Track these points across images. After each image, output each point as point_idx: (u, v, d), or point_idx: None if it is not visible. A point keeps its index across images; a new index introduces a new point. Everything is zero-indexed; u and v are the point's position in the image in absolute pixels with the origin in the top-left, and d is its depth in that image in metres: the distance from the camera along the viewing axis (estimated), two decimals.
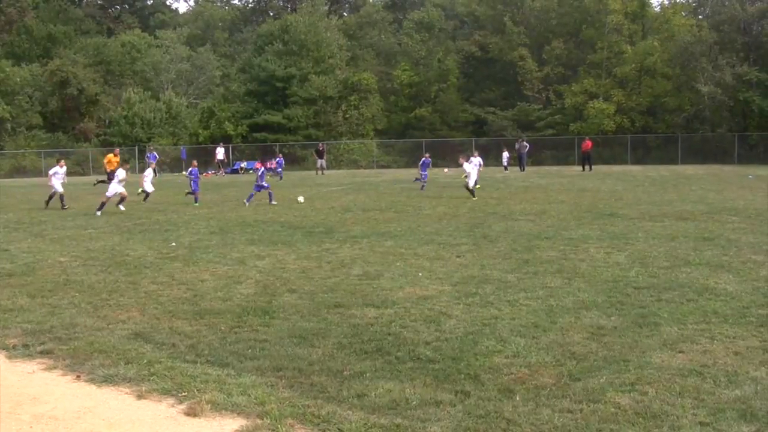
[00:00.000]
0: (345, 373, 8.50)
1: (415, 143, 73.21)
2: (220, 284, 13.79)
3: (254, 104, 75.58)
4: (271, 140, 72.62)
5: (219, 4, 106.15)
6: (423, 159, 41.06)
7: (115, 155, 42.73)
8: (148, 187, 33.67)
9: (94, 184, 44.55)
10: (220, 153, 65.27)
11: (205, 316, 11.26)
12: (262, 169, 33.14)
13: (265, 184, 32.07)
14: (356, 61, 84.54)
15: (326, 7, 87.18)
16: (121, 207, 29.02)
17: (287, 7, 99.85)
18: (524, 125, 73.73)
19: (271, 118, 73.88)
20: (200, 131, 75.70)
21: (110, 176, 41.23)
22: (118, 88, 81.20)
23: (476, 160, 39.67)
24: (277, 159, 57.76)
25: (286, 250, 17.91)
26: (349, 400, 7.67)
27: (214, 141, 71.87)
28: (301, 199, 32.14)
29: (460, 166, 34.02)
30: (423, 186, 37.92)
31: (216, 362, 8.99)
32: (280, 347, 9.55)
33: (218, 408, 7.47)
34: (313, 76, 75.10)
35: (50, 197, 31.11)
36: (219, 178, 59.93)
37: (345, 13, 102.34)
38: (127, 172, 30.83)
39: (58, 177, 31.29)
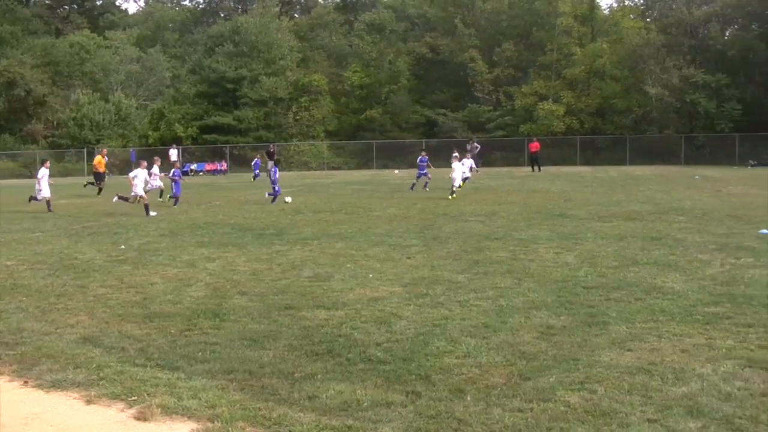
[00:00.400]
0: (296, 375, 8.49)
1: (366, 145, 73.34)
2: (170, 287, 13.70)
3: (204, 106, 75.23)
4: (222, 142, 72.33)
5: (169, 4, 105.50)
6: (420, 158, 40.53)
7: (103, 156, 42.24)
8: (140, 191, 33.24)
9: (84, 186, 43.84)
10: (173, 155, 64.62)
11: (154, 319, 11.19)
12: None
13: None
14: (307, 62, 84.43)
15: (277, 9, 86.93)
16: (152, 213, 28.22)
17: (238, 8, 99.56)
18: (475, 126, 74.06)
19: (221, 119, 73.58)
20: (150, 133, 75.20)
21: (97, 177, 40.72)
22: (67, 90, 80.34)
23: (468, 162, 39.76)
24: (256, 160, 57.17)
25: (237, 252, 17.84)
26: (301, 402, 7.66)
27: (165, 143, 71.33)
28: (288, 199, 32.02)
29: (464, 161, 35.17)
30: (426, 184, 38.06)
31: (166, 366, 8.93)
32: (230, 350, 9.51)
33: (169, 412, 7.43)
34: (264, 77, 74.91)
35: (47, 202, 30.34)
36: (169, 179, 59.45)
37: (296, 15, 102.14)
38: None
39: (47, 179, 30.60)
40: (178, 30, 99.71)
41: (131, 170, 31.53)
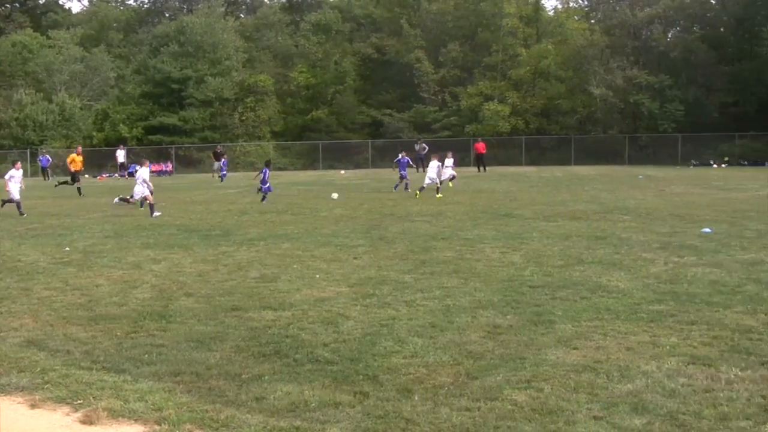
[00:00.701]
0: (243, 376, 8.47)
1: (312, 145, 73.23)
2: (115, 289, 13.59)
3: (150, 106, 74.57)
4: (167, 142, 71.78)
5: (114, 4, 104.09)
6: (399, 158, 40.03)
7: (78, 154, 41.52)
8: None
9: (56, 186, 43.15)
10: (120, 155, 64.06)
11: (100, 321, 11.09)
12: (267, 170, 32.80)
13: (269, 187, 32.25)
14: (253, 62, 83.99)
15: (223, 9, 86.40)
16: (156, 213, 27.41)
17: (183, 8, 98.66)
18: (421, 127, 74.20)
19: (166, 120, 73.00)
20: (94, 134, 74.32)
21: (74, 177, 39.96)
22: (9, 90, 79.05)
23: (449, 161, 39.24)
24: (222, 161, 56.47)
25: (183, 254, 17.74)
26: (248, 403, 7.64)
27: (109, 143, 70.68)
28: (335, 195, 32.45)
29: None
30: (407, 185, 37.24)
31: (112, 368, 8.86)
32: (177, 352, 9.47)
33: (115, 415, 7.37)
34: (210, 77, 74.42)
35: (17, 204, 28.75)
36: (114, 181, 58.98)
37: (242, 15, 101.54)
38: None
39: (15, 181, 29.08)
40: (122, 30, 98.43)
41: (50, 175, 30.51)
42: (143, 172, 28.85)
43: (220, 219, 25.66)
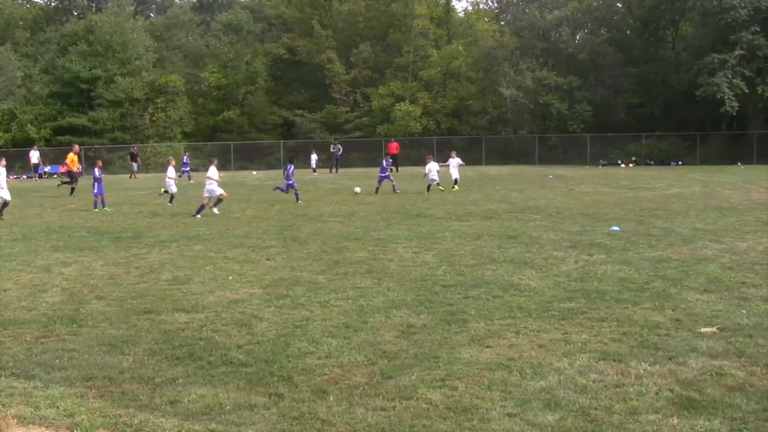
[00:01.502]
0: (157, 380, 8.40)
1: (224, 146, 72.66)
2: (24, 293, 13.34)
3: (58, 106, 73.06)
4: (77, 143, 70.41)
5: (20, 1, 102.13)
6: (384, 161, 39.40)
7: (75, 153, 40.21)
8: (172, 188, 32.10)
9: (58, 186, 41.86)
10: (34, 156, 62.49)
11: (8, 326, 10.87)
12: (291, 167, 32.27)
13: (293, 183, 31.69)
14: (163, 62, 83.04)
15: (132, 8, 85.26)
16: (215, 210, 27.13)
17: (92, 6, 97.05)
18: (333, 127, 74.18)
19: (75, 120, 71.61)
20: (1, 134, 72.66)
21: (71, 176, 38.63)
22: None
23: (454, 161, 39.14)
24: (184, 158, 55.02)
25: (93, 256, 17.49)
26: (162, 407, 7.58)
27: (16, 145, 69.14)
28: (357, 189, 33.08)
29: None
30: (394, 186, 36.22)
31: (22, 374, 8.70)
32: (89, 356, 9.34)
33: (25, 422, 7.25)
34: (119, 77, 73.24)
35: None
36: (22, 182, 57.74)
37: (152, 14, 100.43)
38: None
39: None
40: (29, 28, 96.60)
41: None
42: (212, 171, 28.06)
43: (131, 221, 25.35)
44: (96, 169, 31.55)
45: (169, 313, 11.49)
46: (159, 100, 75.71)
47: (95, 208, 29.67)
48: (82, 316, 11.37)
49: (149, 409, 7.53)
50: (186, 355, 9.31)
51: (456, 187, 36.16)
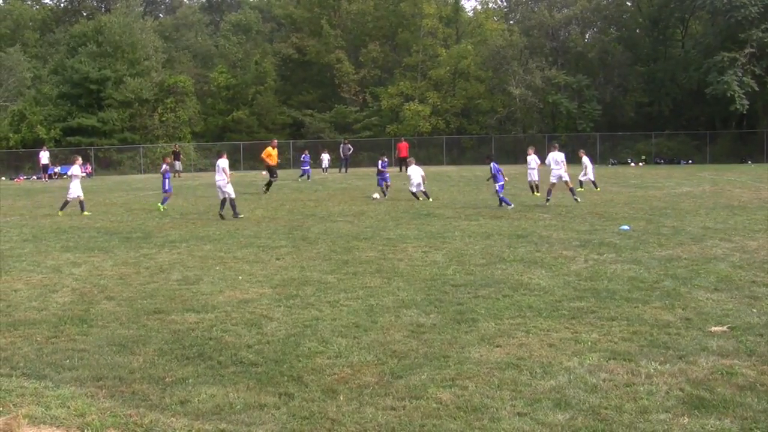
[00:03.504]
0: (167, 380, 8.40)
1: (233, 146, 72.66)
2: (34, 293, 13.36)
3: (67, 107, 73.18)
4: (86, 144, 70.53)
5: (29, 3, 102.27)
6: (380, 161, 36.15)
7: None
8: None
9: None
10: (44, 157, 62.52)
11: (19, 327, 10.89)
12: (386, 161, 32.32)
13: (387, 178, 31.78)
14: (172, 63, 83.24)
15: (141, 8, 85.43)
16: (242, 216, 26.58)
17: (101, 7, 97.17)
18: (342, 127, 74.27)
19: (85, 121, 71.74)
20: (11, 135, 72.73)
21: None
22: None
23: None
24: (303, 155, 54.06)
25: (103, 257, 17.51)
26: (173, 407, 7.59)
27: (26, 145, 69.30)
28: (376, 196, 31.57)
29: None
30: (387, 187, 34.24)
31: (33, 375, 8.71)
32: (99, 356, 9.35)
33: (36, 422, 7.25)
34: (129, 78, 73.34)
35: None
36: (32, 183, 57.91)
37: (161, 15, 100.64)
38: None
39: None
40: (38, 29, 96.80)
41: None
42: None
43: (140, 221, 25.38)
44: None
45: (178, 313, 11.50)
46: (168, 101, 75.83)
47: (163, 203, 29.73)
48: (92, 317, 11.39)
49: (159, 409, 7.53)
50: (196, 355, 9.32)
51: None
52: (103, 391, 8.09)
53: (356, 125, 74.92)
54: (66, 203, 28.39)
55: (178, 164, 60.65)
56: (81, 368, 8.89)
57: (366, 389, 7.97)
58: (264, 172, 42.46)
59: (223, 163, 27.28)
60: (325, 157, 61.23)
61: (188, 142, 74.83)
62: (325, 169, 59.03)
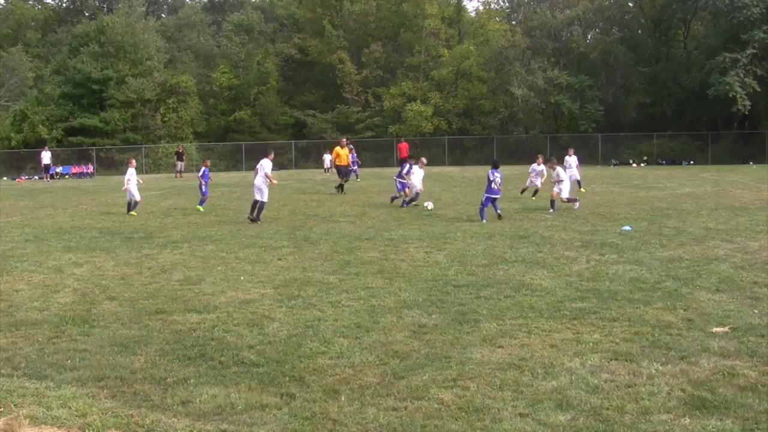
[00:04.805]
0: (168, 380, 8.41)
1: (235, 146, 72.79)
2: (36, 293, 13.37)
3: (70, 107, 73.16)
4: (88, 144, 70.58)
5: (31, 2, 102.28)
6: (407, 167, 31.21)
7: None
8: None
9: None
10: (46, 157, 62.41)
11: (21, 327, 10.90)
12: (407, 166, 30.21)
13: (406, 183, 29.95)
14: (175, 63, 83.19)
15: (143, 8, 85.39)
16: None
17: (103, 7, 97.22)
18: (344, 128, 74.19)
19: (87, 121, 71.75)
20: (12, 135, 72.73)
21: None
22: None
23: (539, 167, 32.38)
24: (352, 156, 52.70)
25: (105, 257, 17.52)
26: (174, 407, 7.59)
27: (28, 145, 69.33)
28: (429, 205, 28.12)
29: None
30: (396, 197, 30.72)
31: (34, 375, 8.72)
32: (100, 356, 9.36)
33: (37, 422, 7.26)
34: (131, 78, 73.33)
35: None
36: (34, 183, 57.94)
37: (163, 15, 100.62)
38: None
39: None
40: (40, 29, 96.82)
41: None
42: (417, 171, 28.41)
43: (142, 221, 25.39)
44: (203, 168, 30.98)
45: (180, 314, 11.51)
46: (170, 101, 75.85)
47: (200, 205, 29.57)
48: (93, 317, 11.40)
49: (161, 410, 7.54)
50: (197, 356, 9.33)
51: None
52: (105, 391, 8.10)
53: (358, 125, 74.88)
54: (135, 204, 28.54)
55: (181, 164, 60.60)
56: (82, 368, 8.90)
57: (367, 390, 7.98)
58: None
59: (266, 164, 25.51)
60: (327, 158, 61.25)
61: (190, 142, 74.80)
62: (326, 170, 59.05)
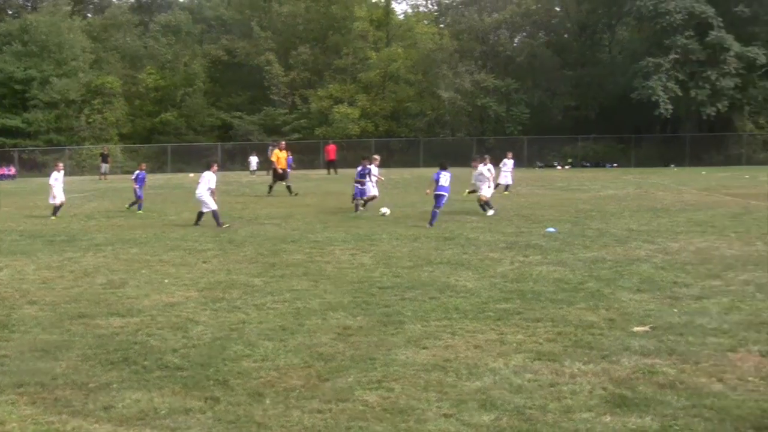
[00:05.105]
0: (90, 385, 8.31)
1: (161, 148, 72.15)
2: None
3: None
4: (9, 145, 69.39)
5: None
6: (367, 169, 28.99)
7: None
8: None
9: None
10: None
11: None
12: (367, 167, 28.35)
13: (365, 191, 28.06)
14: (100, 63, 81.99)
15: (69, 8, 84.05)
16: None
17: (27, 5, 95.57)
18: (271, 130, 74.01)
19: (8, 122, 70.51)
20: None
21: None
22: None
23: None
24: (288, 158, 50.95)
25: (25, 261, 17.23)
26: (96, 413, 7.50)
27: None
28: (386, 211, 26.64)
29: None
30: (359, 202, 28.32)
31: None
32: (20, 362, 9.21)
33: None
34: (55, 78, 72.22)
35: None
36: None
37: (89, 14, 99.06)
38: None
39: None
40: None
41: None
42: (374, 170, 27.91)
43: (65, 224, 25.02)
44: (138, 172, 30.49)
45: (103, 318, 11.37)
46: (95, 102, 74.85)
47: (140, 209, 29.21)
48: (13, 322, 11.21)
49: (82, 415, 7.44)
50: (120, 360, 9.22)
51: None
52: (24, 398, 7.97)
53: (285, 127, 74.69)
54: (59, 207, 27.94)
55: (105, 166, 59.85)
56: (1, 375, 8.74)
57: (292, 392, 7.96)
58: (192, 175, 41.65)
59: (210, 177, 24.35)
60: (253, 160, 61.08)
61: (115, 144, 73.87)
62: (253, 172, 58.85)
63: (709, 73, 65.12)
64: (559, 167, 65.72)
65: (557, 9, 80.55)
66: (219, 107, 79.54)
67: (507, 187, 34.94)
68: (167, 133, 76.63)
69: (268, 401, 7.73)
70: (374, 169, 29.09)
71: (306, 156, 70.57)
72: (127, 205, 29.06)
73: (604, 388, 7.93)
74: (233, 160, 70.79)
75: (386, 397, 7.77)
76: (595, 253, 16.82)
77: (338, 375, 8.48)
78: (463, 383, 8.16)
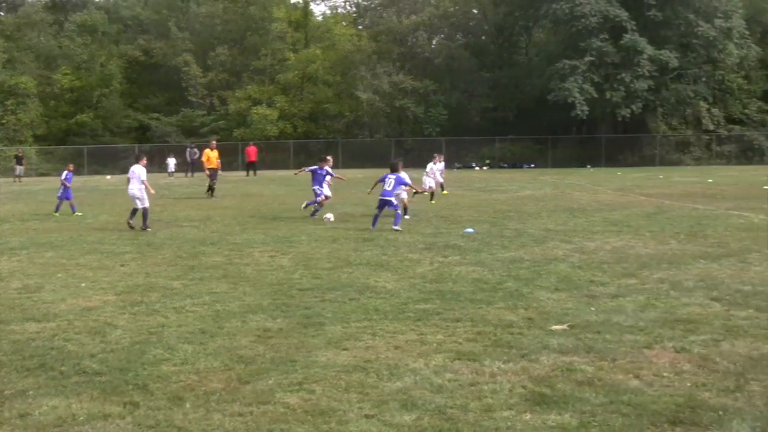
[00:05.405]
0: (6, 392, 8.15)
1: (77, 150, 71.10)
2: None
3: None
4: None
5: None
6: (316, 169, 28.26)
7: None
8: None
9: None
10: None
11: None
12: (324, 169, 27.57)
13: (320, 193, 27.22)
14: (14, 63, 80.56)
15: None
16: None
17: None
18: (188, 131, 73.51)
19: None
20: None
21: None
22: None
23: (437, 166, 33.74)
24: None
25: None
26: (12, 420, 7.36)
27: None
28: (330, 217, 25.23)
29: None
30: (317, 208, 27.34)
31: None
32: None
33: None
34: None
35: None
36: None
37: (1, 13, 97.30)
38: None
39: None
40: None
41: None
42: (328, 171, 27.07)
43: None
44: (66, 172, 30.28)
45: (18, 323, 11.16)
46: (9, 102, 73.54)
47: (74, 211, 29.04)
48: None
49: None
50: (37, 366, 9.06)
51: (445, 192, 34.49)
52: None
53: (203, 129, 74.23)
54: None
55: (20, 169, 58.81)
56: None
57: (213, 396, 7.90)
58: (109, 177, 41.35)
59: (139, 170, 24.01)
60: (171, 162, 60.56)
61: (30, 145, 72.59)
62: (171, 174, 58.35)
63: (623, 75, 66.39)
64: (477, 168, 66.32)
65: (475, 11, 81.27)
66: (136, 108, 78.73)
67: (442, 186, 34.89)
68: (83, 134, 75.57)
69: (188, 405, 7.65)
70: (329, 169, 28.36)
71: (224, 158, 69.82)
72: (56, 212, 28.61)
73: (524, 387, 8.00)
74: (151, 162, 69.85)
75: (307, 399, 7.75)
76: (514, 253, 16.99)
77: (259, 377, 8.44)
78: (384, 384, 8.17)
